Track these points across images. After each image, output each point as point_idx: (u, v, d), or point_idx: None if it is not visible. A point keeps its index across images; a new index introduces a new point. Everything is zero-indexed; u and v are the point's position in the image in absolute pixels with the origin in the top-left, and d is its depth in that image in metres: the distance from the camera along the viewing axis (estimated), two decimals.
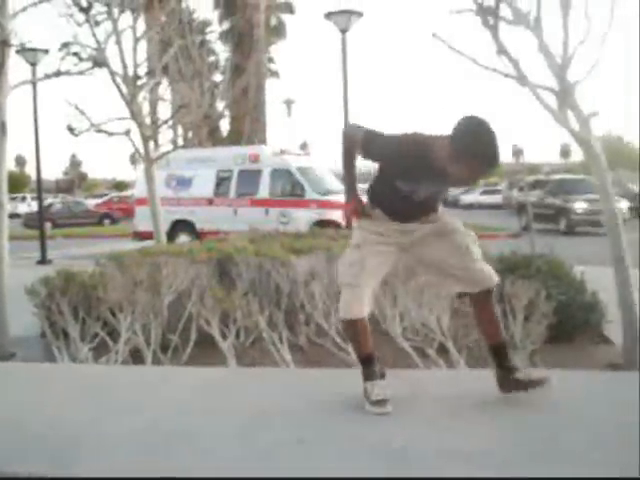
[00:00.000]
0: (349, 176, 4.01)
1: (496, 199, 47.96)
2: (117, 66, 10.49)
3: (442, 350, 5.27)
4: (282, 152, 18.16)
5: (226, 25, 33.18)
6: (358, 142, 3.73)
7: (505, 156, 78.67)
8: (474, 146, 3.32)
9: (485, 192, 53.95)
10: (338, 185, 16.92)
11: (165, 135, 14.31)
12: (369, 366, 3.77)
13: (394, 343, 5.56)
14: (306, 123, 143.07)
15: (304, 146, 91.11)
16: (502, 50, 6.11)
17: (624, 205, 25.67)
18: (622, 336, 5.52)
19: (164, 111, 12.75)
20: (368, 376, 3.74)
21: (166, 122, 12.02)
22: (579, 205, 23.55)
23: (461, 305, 5.35)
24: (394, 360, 5.59)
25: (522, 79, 5.89)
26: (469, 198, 53.63)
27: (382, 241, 3.85)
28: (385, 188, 3.77)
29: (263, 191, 17.34)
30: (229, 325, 5.65)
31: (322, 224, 15.04)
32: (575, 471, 2.82)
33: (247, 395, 4.04)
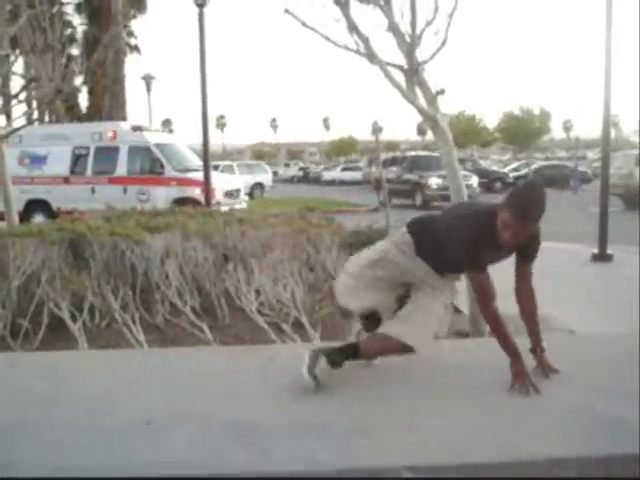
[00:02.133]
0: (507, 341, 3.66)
1: (356, 176, 48.89)
2: None
3: (297, 325, 5.32)
4: (140, 128, 17.74)
5: None
6: (484, 284, 3.63)
7: (364, 133, 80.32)
8: (519, 206, 3.40)
9: (345, 169, 54.88)
10: (198, 162, 16.72)
11: (18, 110, 13.65)
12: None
13: (250, 319, 5.57)
14: (168, 100, 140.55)
15: (166, 123, 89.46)
16: (352, 27, 6.19)
17: (475, 180, 26.84)
18: (469, 305, 5.76)
19: (17, 85, 12.21)
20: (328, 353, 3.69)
21: (16, 96, 11.44)
22: (433, 181, 24.39)
23: (315, 280, 5.45)
24: (251, 336, 5.61)
25: (372, 56, 5.99)
26: (330, 175, 54.43)
27: (400, 278, 3.89)
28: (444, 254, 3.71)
29: (121, 169, 16.88)
30: (83, 307, 5.49)
31: (182, 202, 14.85)
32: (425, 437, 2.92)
33: (95, 378, 3.93)
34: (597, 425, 3.06)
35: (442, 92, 6.02)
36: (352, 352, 3.73)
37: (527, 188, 3.53)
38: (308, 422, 3.09)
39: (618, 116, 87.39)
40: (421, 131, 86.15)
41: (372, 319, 3.98)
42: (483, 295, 3.61)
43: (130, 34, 35.46)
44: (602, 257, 9.42)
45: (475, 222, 3.57)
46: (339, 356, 3.68)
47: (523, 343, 3.69)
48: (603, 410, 3.22)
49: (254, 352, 4.53)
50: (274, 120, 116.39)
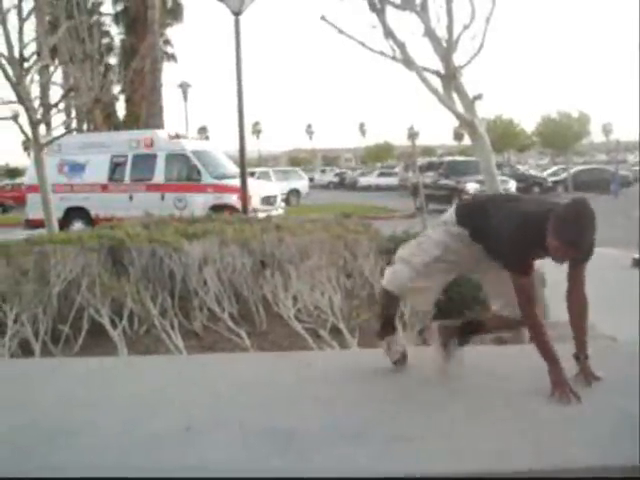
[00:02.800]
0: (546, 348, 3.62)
1: (392, 181, 48.79)
2: (2, 47, 10.10)
3: (335, 331, 5.32)
4: (177, 136, 17.91)
5: (120, 6, 32.34)
6: (527, 288, 3.59)
7: (400, 139, 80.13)
8: (568, 233, 3.31)
9: (382, 174, 54.81)
10: (234, 169, 16.81)
11: (57, 119, 13.92)
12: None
13: (288, 326, 5.58)
14: (204, 107, 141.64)
15: (202, 130, 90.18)
16: (389, 33, 6.20)
17: (512, 185, 26.61)
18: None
19: (56, 95, 12.44)
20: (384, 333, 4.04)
21: (55, 105, 11.65)
22: (471, 186, 24.21)
23: (353, 287, 5.44)
24: (289, 343, 5.63)
25: (408, 62, 6.00)
26: (366, 180, 54.38)
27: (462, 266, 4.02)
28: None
29: (158, 176, 17.07)
30: (123, 314, 5.55)
31: (219, 208, 14.96)
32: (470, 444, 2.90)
33: (135, 384, 3.97)
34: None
35: (480, 97, 6.15)
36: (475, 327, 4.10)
37: (572, 214, 3.35)
38: (346, 428, 3.08)
39: None
40: (457, 136, 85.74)
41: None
42: (525, 299, 3.55)
43: (167, 42, 35.86)
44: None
45: (524, 225, 3.51)
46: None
47: (565, 349, 3.64)
48: None
49: (292, 358, 4.54)
50: (309, 126, 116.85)
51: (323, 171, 69.85)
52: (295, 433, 3.05)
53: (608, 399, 3.45)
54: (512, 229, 3.50)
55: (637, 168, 42.36)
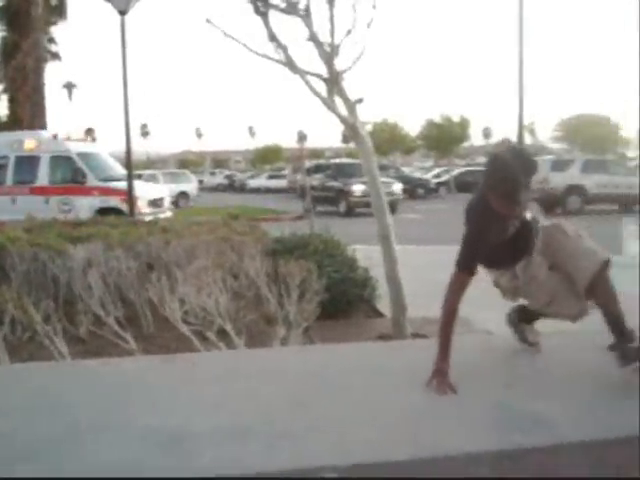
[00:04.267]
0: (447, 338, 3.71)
1: (281, 183, 49.06)
2: None
3: (222, 333, 5.34)
4: (62, 138, 17.46)
5: (1, 1, 31.03)
6: (465, 286, 3.69)
7: (290, 141, 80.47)
8: (495, 182, 3.48)
9: (271, 176, 55.02)
10: (121, 171, 16.55)
11: None
12: None
13: (175, 329, 5.55)
14: (91, 108, 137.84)
15: (89, 132, 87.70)
16: (273, 37, 6.26)
17: (398, 187, 27.26)
18: (390, 309, 5.89)
19: None
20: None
21: None
22: (357, 187, 24.66)
23: (239, 288, 5.47)
24: (176, 345, 5.61)
25: (292, 65, 6.07)
26: (256, 183, 54.47)
27: None
28: None
29: (42, 178, 16.61)
30: (4, 320, 5.38)
31: (105, 212, 14.68)
32: (339, 438, 2.99)
33: (16, 391, 3.87)
34: (512, 420, 3.18)
35: (360, 101, 6.14)
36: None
37: (494, 165, 3.55)
38: (231, 427, 3.12)
39: (534, 123, 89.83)
40: (345, 139, 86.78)
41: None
42: (457, 292, 3.67)
43: (51, 41, 34.69)
44: None
45: (472, 217, 3.70)
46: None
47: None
48: (517, 406, 3.35)
49: (178, 360, 4.53)
50: (199, 128, 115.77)
51: (212, 173, 69.44)
52: (181, 434, 3.06)
53: (483, 390, 3.62)
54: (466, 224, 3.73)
55: None
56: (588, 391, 3.59)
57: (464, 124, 51.07)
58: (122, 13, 13.99)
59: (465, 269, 3.67)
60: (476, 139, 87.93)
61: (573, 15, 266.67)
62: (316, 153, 78.32)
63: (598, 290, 3.69)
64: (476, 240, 3.66)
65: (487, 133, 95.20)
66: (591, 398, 3.48)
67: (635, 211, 25.83)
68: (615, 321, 3.71)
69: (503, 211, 3.55)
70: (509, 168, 3.44)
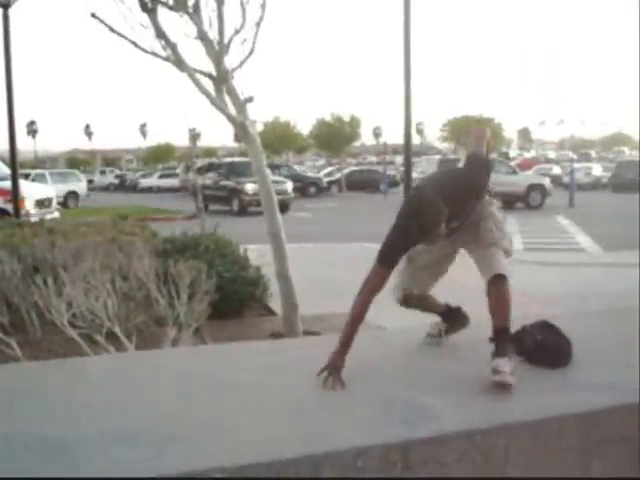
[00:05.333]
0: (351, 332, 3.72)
1: (174, 182, 48.42)
2: None
3: (112, 336, 5.24)
4: None
5: None
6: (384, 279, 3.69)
7: (182, 140, 79.40)
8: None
9: (163, 175, 54.23)
10: (5, 170, 15.93)
11: None
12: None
13: (63, 333, 5.41)
14: None
15: None
16: (161, 34, 6.19)
17: (289, 185, 27.42)
18: (282, 307, 5.93)
19: None
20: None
21: None
22: (249, 186, 24.65)
23: (129, 290, 5.38)
24: (64, 350, 5.47)
25: (180, 63, 6.03)
26: (148, 182, 53.56)
27: None
28: None
29: None
30: None
31: None
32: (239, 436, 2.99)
33: None
34: (398, 413, 3.26)
35: (251, 100, 6.16)
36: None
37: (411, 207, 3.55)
38: (119, 432, 3.07)
39: (423, 123, 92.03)
40: (238, 138, 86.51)
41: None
42: (374, 288, 3.66)
43: None
44: None
45: (399, 224, 3.64)
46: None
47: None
48: (403, 399, 3.44)
49: (65, 365, 4.41)
50: (88, 126, 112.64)
51: (103, 172, 67.84)
52: (66, 440, 2.99)
53: (375, 384, 3.70)
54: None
55: (403, 169, 45.09)
56: (469, 381, 3.72)
57: (355, 123, 51.70)
58: (5, 6, 13.49)
59: (386, 264, 3.67)
60: (367, 138, 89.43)
61: (460, 17, 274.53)
62: (209, 152, 77.70)
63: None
64: (400, 243, 3.67)
65: (377, 133, 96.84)
66: (472, 388, 3.61)
67: (515, 208, 26.93)
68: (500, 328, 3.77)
69: (420, 241, 3.61)
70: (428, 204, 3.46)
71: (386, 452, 2.93)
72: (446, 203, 3.45)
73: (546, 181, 30.77)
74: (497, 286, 3.65)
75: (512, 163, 39.18)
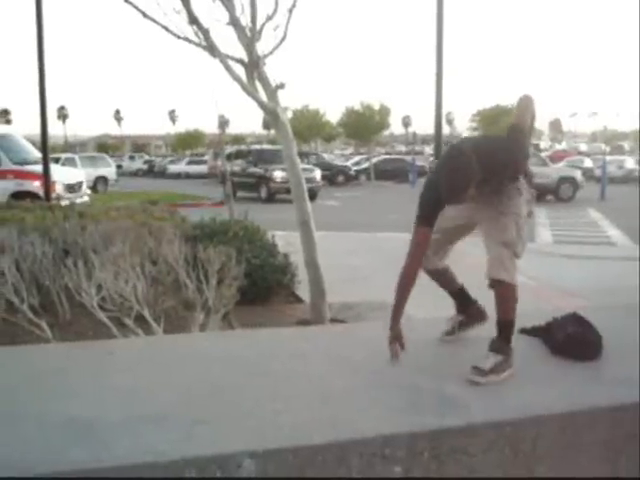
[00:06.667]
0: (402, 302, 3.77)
1: (202, 169, 48.62)
2: None
3: (140, 319, 5.28)
4: None
5: None
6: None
7: (211, 127, 79.67)
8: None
9: (191, 162, 54.45)
10: (37, 154, 16.09)
11: None
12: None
13: (92, 315, 5.46)
14: (6, 89, 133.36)
15: (4, 113, 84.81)
16: (193, 20, 6.19)
17: (318, 173, 27.37)
18: (309, 294, 5.93)
19: None
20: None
21: None
22: (278, 174, 24.66)
23: (158, 274, 5.41)
24: (93, 332, 5.52)
25: (212, 49, 6.02)
26: (176, 168, 53.79)
27: None
28: None
29: None
30: None
31: (20, 196, 14.29)
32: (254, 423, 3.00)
33: None
34: (426, 402, 3.26)
35: (282, 86, 6.14)
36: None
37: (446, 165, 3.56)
38: (148, 415, 3.09)
39: (452, 113, 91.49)
40: (267, 125, 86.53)
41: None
42: (419, 249, 3.67)
43: None
44: None
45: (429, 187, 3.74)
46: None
47: None
48: (431, 388, 3.43)
49: (94, 348, 4.45)
50: (118, 112, 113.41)
51: (132, 158, 68.24)
52: (96, 422, 3.01)
53: (402, 373, 3.69)
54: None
55: (432, 159, 44.92)
56: None
57: (384, 112, 51.46)
58: None
59: (424, 223, 3.65)
60: (396, 128, 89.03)
61: (492, 6, 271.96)
62: (238, 139, 77.84)
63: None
64: (433, 199, 3.64)
65: (407, 122, 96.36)
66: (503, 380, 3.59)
67: (546, 201, 26.67)
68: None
69: (449, 198, 3.54)
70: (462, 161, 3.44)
71: (413, 441, 2.93)
72: (480, 166, 3.41)
73: (577, 174, 30.40)
74: (497, 288, 3.64)
75: (543, 155, 38.77)
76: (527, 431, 3.11)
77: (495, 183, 3.70)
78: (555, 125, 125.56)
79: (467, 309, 4.27)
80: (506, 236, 3.68)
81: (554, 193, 28.41)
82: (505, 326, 3.70)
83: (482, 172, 3.43)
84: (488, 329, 3.98)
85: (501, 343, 3.68)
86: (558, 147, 78.26)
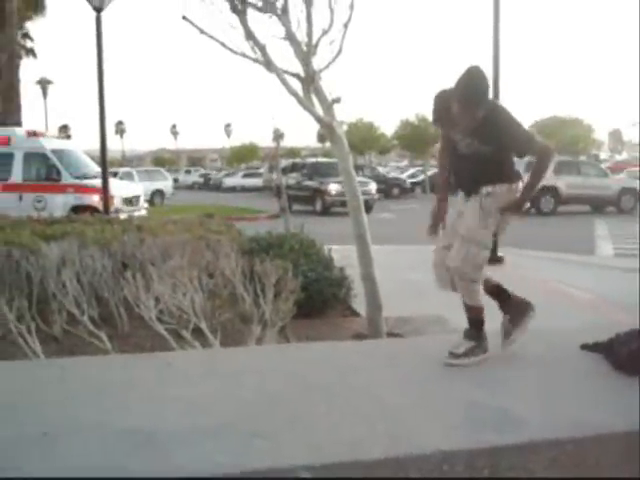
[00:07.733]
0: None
1: (257, 182, 48.96)
2: None
3: (197, 331, 5.33)
4: (36, 134, 17.30)
5: None
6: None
7: (266, 140, 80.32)
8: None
9: (247, 175, 54.90)
10: (96, 169, 16.43)
11: None
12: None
13: (150, 327, 5.53)
14: (66, 105, 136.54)
15: (63, 129, 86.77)
16: (250, 35, 6.25)
17: (373, 186, 27.32)
18: (366, 308, 5.91)
19: None
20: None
21: None
22: (333, 187, 24.72)
23: (215, 287, 5.46)
24: (151, 344, 5.58)
25: (269, 64, 6.06)
26: (231, 181, 54.33)
27: None
28: None
29: (16, 175, 16.44)
30: None
31: (80, 209, 14.60)
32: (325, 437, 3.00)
33: None
34: (484, 418, 3.21)
35: (338, 100, 6.15)
36: None
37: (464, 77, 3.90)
38: (206, 426, 3.12)
39: None
40: (321, 138, 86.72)
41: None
42: (442, 151, 4.32)
43: (26, 36, 34.32)
44: (494, 259, 9.85)
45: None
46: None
47: None
48: (488, 404, 3.38)
49: (153, 359, 4.52)
50: (174, 126, 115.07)
51: (188, 172, 69.18)
52: (155, 433, 3.05)
53: (458, 387, 3.65)
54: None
55: None
56: (560, 389, 3.63)
57: None
58: (98, 10, 13.88)
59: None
60: None
61: (549, 17, 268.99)
62: (292, 152, 78.24)
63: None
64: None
65: None
66: (563, 396, 3.52)
67: (606, 213, 26.13)
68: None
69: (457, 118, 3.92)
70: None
71: (472, 457, 2.89)
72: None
73: (639, 185, 29.77)
74: (458, 279, 3.95)
75: (603, 166, 38.07)
76: (589, 449, 3.05)
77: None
78: (615, 135, 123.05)
79: (509, 305, 4.31)
80: (468, 233, 3.96)
81: (615, 205, 27.79)
82: (473, 311, 4.06)
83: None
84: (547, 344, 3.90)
85: (472, 331, 4.05)
86: (618, 158, 76.68)
